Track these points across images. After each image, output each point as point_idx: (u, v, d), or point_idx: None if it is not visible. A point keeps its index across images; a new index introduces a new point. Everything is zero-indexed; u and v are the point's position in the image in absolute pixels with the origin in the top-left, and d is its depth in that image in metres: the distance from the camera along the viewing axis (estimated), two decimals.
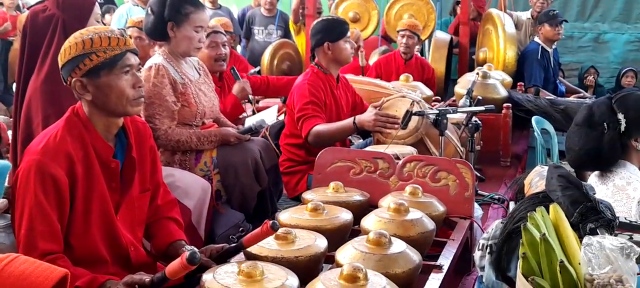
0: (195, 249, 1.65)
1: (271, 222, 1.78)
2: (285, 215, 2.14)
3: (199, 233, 2.66)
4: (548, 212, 1.56)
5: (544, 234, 1.44)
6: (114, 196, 1.92)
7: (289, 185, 3.45)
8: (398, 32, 5.27)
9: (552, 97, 4.86)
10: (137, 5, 6.20)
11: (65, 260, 1.77)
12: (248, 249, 1.86)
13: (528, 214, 1.54)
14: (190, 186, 2.69)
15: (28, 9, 6.49)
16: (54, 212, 1.78)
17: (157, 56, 2.85)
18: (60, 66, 1.87)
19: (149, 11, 2.86)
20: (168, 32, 2.83)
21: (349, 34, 3.41)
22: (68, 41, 1.86)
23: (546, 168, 1.92)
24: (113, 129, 1.93)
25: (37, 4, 2.52)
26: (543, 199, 1.76)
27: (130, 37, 4.12)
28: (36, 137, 1.92)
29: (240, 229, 2.83)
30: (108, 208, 1.89)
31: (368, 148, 2.90)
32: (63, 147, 1.80)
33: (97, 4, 2.63)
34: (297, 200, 3.34)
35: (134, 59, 1.89)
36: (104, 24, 6.38)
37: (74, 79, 1.84)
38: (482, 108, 3.11)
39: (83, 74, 1.83)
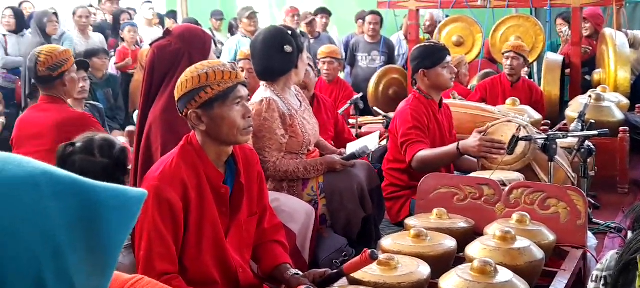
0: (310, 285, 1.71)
1: (370, 251, 1.79)
2: (387, 241, 2.15)
3: (303, 256, 2.71)
4: None
5: None
6: (223, 220, 2.01)
7: (391, 210, 3.44)
8: (503, 54, 5.14)
9: None
10: (246, 37, 6.46)
11: (180, 280, 1.88)
12: (351, 274, 1.88)
13: None
14: (295, 210, 2.75)
15: (150, 45, 6.96)
16: (170, 235, 1.89)
17: (266, 90, 2.96)
18: (176, 98, 1.99)
19: (247, 58, 3.03)
20: (297, 63, 2.98)
21: (448, 59, 3.37)
22: (184, 75, 1.98)
23: None
24: (224, 156, 2.03)
25: (157, 40, 2.68)
26: None
27: (242, 70, 4.35)
28: (154, 165, 2.05)
29: (343, 254, 2.86)
30: (219, 232, 1.99)
31: (473, 174, 2.85)
32: (178, 174, 1.92)
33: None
34: (400, 225, 3.32)
35: (244, 91, 1.99)
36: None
37: (189, 111, 1.95)
38: (594, 132, 2.97)
39: (198, 106, 1.94)
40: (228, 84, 1.94)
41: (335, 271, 2.01)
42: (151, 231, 1.86)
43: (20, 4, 7.72)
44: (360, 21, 7.62)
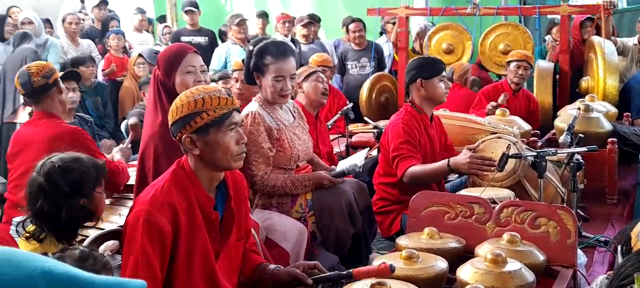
0: None
1: (391, 264, 1.84)
2: (379, 263, 2.15)
3: None
4: None
5: None
6: (213, 245, 2.01)
7: (382, 224, 3.45)
8: (510, 62, 5.15)
9: None
10: (236, 44, 6.44)
11: None
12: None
13: (635, 275, 1.46)
14: (288, 229, 2.76)
15: (137, 52, 6.93)
16: (156, 261, 1.88)
17: (254, 103, 2.97)
18: (170, 123, 1.98)
19: (242, 62, 3.04)
20: (256, 81, 2.97)
21: (443, 73, 3.40)
22: (179, 99, 1.97)
23: None
24: (215, 181, 2.03)
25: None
26: None
27: (236, 80, 4.32)
28: (145, 189, 2.05)
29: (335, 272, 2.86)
30: (209, 257, 1.99)
31: (463, 192, 2.85)
32: (168, 199, 1.91)
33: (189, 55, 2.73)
34: (391, 239, 3.33)
35: (238, 117, 1.99)
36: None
37: (183, 135, 1.94)
38: (583, 149, 2.98)
39: (193, 131, 1.93)
40: (223, 110, 1.94)
41: (344, 272, 2.04)
42: (139, 255, 1.85)
43: (9, 9, 7.66)
44: (345, 27, 7.65)
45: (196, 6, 7.15)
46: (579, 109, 3.98)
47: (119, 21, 7.77)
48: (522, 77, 5.07)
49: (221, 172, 2.03)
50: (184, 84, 2.55)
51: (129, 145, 3.79)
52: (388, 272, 1.88)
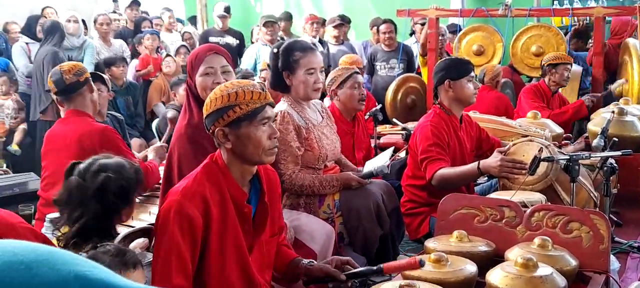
0: None
1: (420, 258, 1.87)
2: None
3: None
4: None
5: None
6: (247, 239, 2.03)
7: (410, 226, 3.42)
8: (556, 65, 5.05)
9: None
10: (266, 45, 6.48)
11: None
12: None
13: None
14: (315, 230, 2.76)
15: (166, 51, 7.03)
16: (187, 251, 1.91)
17: (283, 103, 2.99)
18: (204, 116, 2.02)
19: (267, 68, 3.04)
20: (286, 82, 2.97)
21: (472, 74, 3.36)
22: (214, 93, 2.00)
23: None
24: (247, 175, 2.06)
25: None
26: None
27: (263, 79, 4.36)
28: (179, 182, 2.08)
29: None
30: (242, 249, 2.01)
31: (493, 195, 2.82)
32: (200, 190, 1.94)
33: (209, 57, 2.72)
34: (419, 242, 3.31)
35: (271, 112, 2.02)
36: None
37: (217, 128, 1.98)
38: (617, 153, 2.92)
39: (226, 124, 1.96)
40: (256, 104, 1.96)
41: (374, 268, 2.07)
42: (170, 245, 1.88)
43: (43, 9, 7.81)
44: (374, 28, 7.61)
45: (228, 11, 7.25)
46: (613, 112, 3.90)
47: (152, 22, 7.86)
48: (567, 79, 5.02)
49: (253, 166, 2.05)
50: (203, 86, 2.55)
51: (165, 144, 3.78)
52: (417, 265, 1.89)
